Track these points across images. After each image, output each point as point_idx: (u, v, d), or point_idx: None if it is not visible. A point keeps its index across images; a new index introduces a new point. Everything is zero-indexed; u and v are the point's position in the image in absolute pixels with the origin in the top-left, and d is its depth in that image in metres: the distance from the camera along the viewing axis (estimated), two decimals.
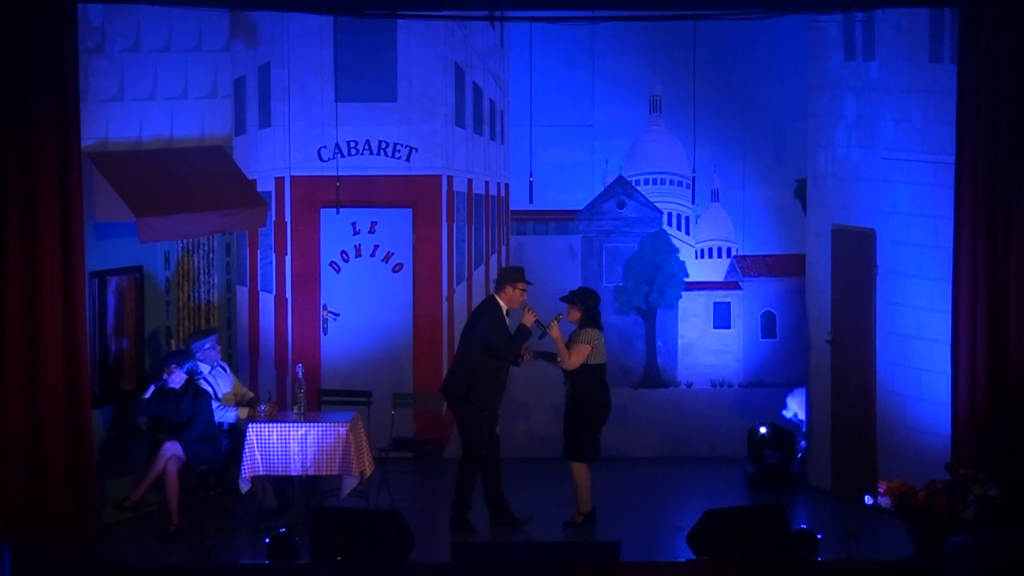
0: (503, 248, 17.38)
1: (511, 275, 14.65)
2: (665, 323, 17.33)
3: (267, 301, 17.06)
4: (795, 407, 16.69)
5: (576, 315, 14.58)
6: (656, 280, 17.27)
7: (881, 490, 13.21)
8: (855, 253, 15.32)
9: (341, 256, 17.05)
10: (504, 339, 14.40)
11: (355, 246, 17.05)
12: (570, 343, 14.51)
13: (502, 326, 14.48)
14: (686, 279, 17.31)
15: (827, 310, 15.72)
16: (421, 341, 17.11)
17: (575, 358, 14.47)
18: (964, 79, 13.65)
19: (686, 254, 17.31)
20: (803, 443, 16.29)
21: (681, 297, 17.30)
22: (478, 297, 16.95)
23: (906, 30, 14.67)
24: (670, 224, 17.32)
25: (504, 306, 14.52)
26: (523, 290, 14.55)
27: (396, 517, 12.67)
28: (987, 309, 13.59)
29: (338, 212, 16.41)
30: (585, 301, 14.58)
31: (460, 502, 14.48)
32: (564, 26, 15.99)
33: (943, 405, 14.03)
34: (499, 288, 14.60)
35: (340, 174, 16.54)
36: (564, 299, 14.70)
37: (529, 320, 14.43)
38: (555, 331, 14.50)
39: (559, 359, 14.58)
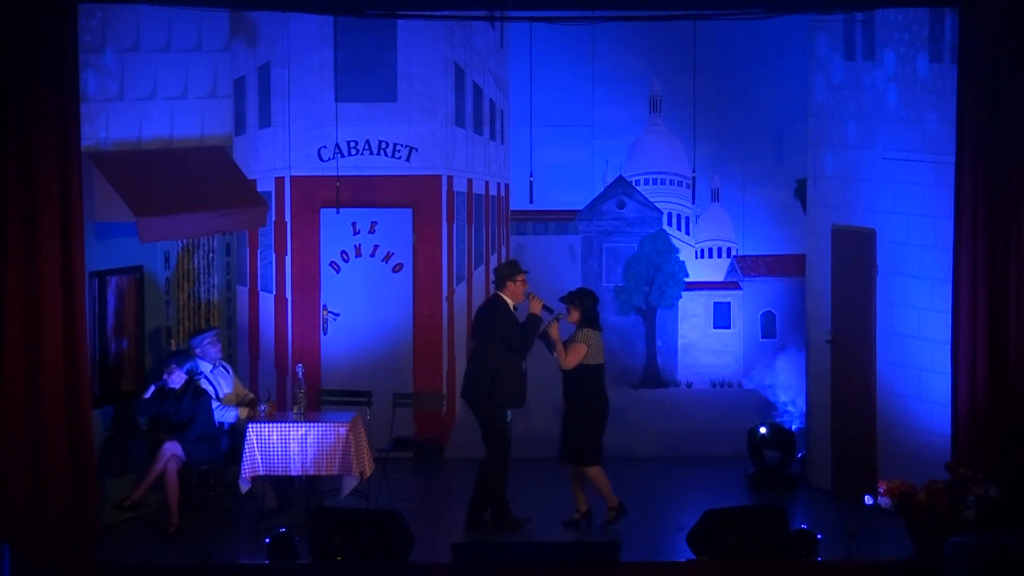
0: (503, 248, 17.35)
1: (508, 270, 14.67)
2: (665, 323, 17.33)
3: (267, 301, 17.05)
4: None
5: (575, 315, 14.60)
6: (656, 280, 17.25)
7: (881, 490, 13.19)
8: (855, 253, 15.32)
9: (341, 256, 17.02)
10: (519, 333, 14.45)
11: (355, 246, 17.02)
12: (568, 343, 14.55)
13: (514, 322, 14.51)
14: (686, 279, 17.29)
15: (827, 310, 15.69)
16: (421, 341, 17.07)
17: (571, 358, 14.48)
18: (964, 79, 13.63)
19: (686, 254, 17.29)
20: (801, 453, 16.29)
21: (681, 297, 17.28)
22: (478, 297, 16.96)
23: (906, 30, 14.65)
24: (670, 224, 17.31)
25: (510, 301, 14.57)
26: (523, 281, 14.58)
27: (396, 517, 12.65)
28: (987, 309, 13.58)
29: (338, 212, 16.35)
30: (583, 301, 14.59)
31: (479, 501, 14.40)
32: (564, 26, 15.97)
33: (943, 405, 14.00)
34: (500, 286, 14.63)
35: (340, 174, 16.51)
36: (563, 300, 14.72)
37: (537, 308, 14.47)
38: (554, 332, 14.55)
39: (556, 357, 14.61)
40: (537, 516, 14.62)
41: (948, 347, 13.85)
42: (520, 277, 14.59)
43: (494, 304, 14.64)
